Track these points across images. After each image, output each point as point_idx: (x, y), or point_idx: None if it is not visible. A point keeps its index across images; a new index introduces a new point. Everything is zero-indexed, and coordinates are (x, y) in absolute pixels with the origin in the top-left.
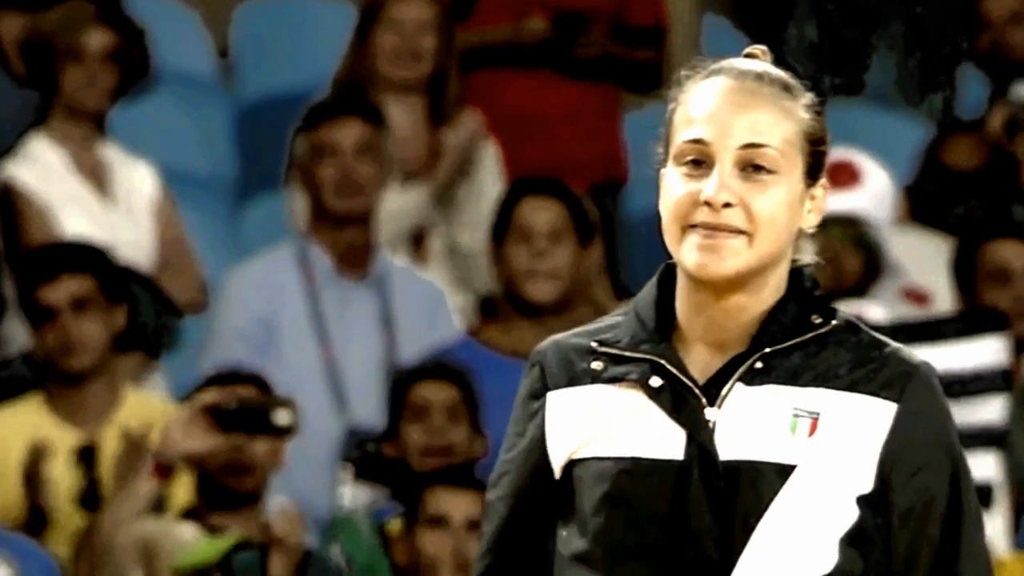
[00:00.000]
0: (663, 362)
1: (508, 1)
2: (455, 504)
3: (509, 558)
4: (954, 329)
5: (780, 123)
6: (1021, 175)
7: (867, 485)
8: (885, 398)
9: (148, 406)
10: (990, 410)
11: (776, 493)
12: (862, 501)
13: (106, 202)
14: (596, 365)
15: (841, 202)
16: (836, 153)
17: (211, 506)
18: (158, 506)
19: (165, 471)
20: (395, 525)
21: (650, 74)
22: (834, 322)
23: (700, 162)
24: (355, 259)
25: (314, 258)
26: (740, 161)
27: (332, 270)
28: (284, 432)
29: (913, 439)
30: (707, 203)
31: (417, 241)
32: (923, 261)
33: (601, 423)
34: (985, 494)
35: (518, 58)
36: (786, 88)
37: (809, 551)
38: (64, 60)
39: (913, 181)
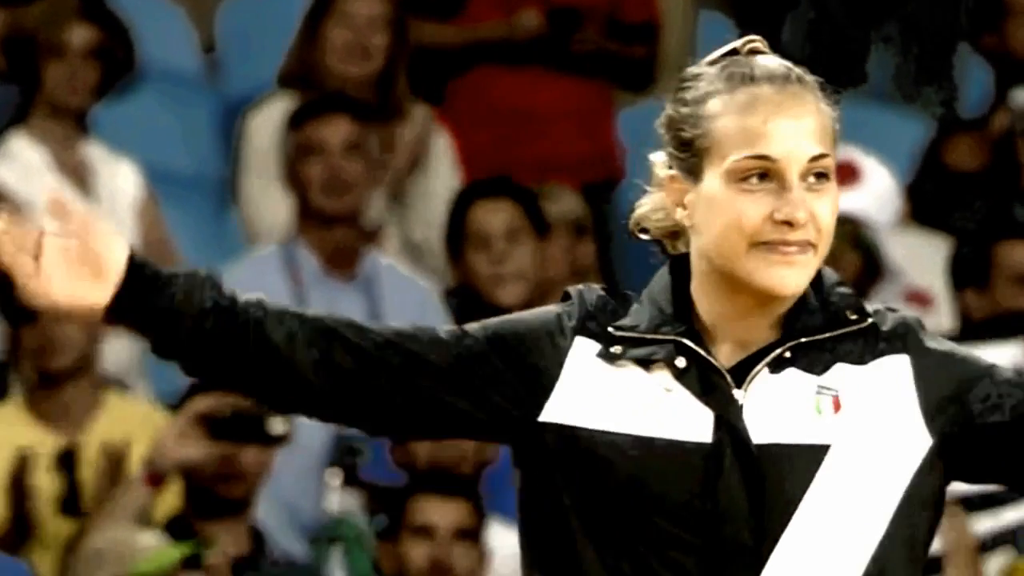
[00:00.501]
0: (688, 343)
1: None
2: (441, 513)
3: (389, 349)
4: (975, 334)
5: (827, 127)
6: (1023, 177)
7: (924, 442)
8: (893, 353)
9: (130, 410)
10: None
11: (810, 475)
12: (926, 462)
13: (88, 202)
14: (615, 349)
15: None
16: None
17: (199, 514)
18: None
19: (157, 480)
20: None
21: (644, 71)
22: (869, 319)
23: (764, 176)
24: (343, 259)
25: (301, 259)
26: (805, 173)
27: (319, 271)
28: (278, 441)
29: (940, 371)
30: (787, 222)
31: (371, 237)
32: (923, 263)
33: (625, 401)
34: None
35: (511, 54)
36: (818, 87)
37: (850, 533)
38: (46, 56)
39: (913, 181)
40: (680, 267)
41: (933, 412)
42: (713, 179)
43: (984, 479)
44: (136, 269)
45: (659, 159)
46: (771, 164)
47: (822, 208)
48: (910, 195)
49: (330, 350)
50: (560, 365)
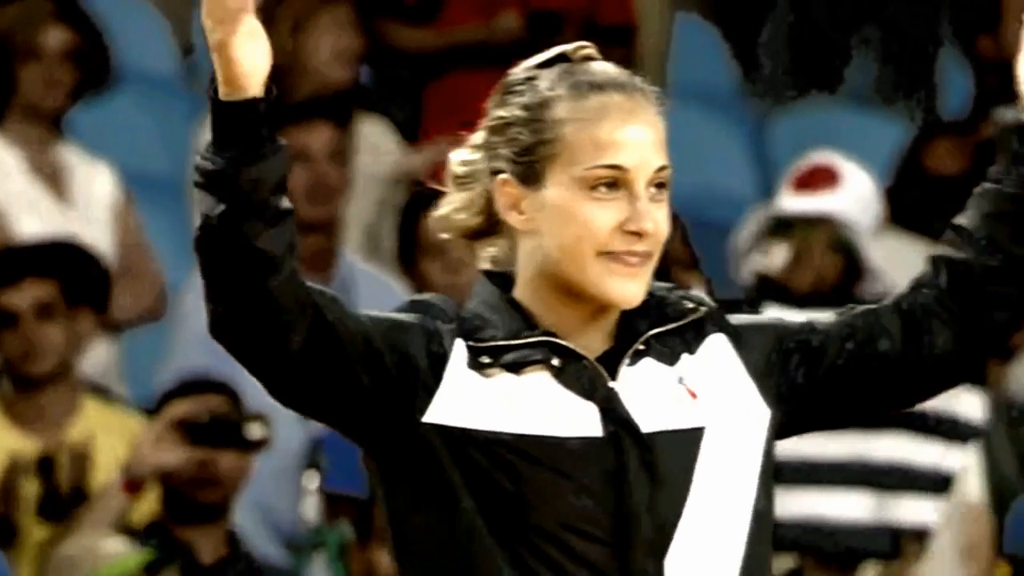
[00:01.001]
0: (560, 341)
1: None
2: None
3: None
4: None
5: (664, 137)
6: None
7: (764, 412)
8: (710, 334)
9: (108, 414)
10: (967, 408)
11: (693, 458)
12: (770, 432)
13: (63, 205)
14: (484, 359)
15: (818, 203)
16: (815, 156)
17: (176, 519)
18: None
19: (134, 486)
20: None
21: None
22: (703, 308)
23: (613, 185)
24: (319, 263)
25: None
26: (650, 183)
27: None
28: (257, 446)
29: (755, 336)
30: (636, 233)
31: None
32: (904, 266)
33: (510, 404)
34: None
35: (489, 58)
36: (655, 97)
37: (731, 513)
38: (21, 59)
39: (893, 185)
40: (498, 277)
41: (762, 376)
42: (559, 185)
43: (831, 417)
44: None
45: (459, 158)
46: (622, 174)
47: (661, 215)
48: (890, 199)
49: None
50: (441, 369)
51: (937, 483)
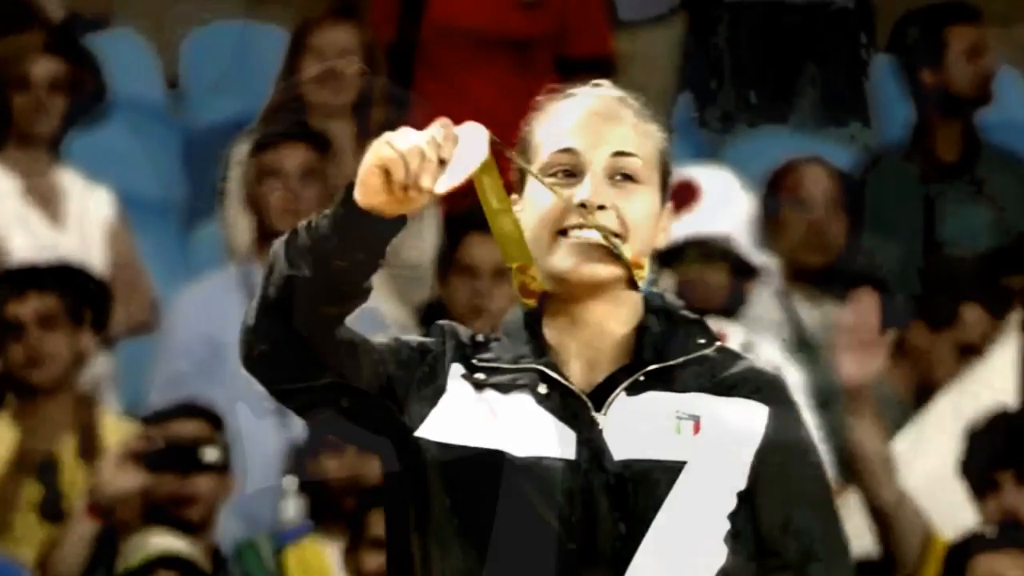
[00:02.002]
0: (548, 371)
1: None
2: None
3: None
4: None
5: (643, 138)
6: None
7: (742, 482)
8: (758, 400)
9: (104, 422)
10: None
11: (667, 490)
12: (739, 496)
13: (56, 227)
14: (480, 376)
15: (683, 227)
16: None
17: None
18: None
19: (100, 511)
20: (308, 547)
21: None
22: (717, 343)
23: (571, 173)
24: None
25: (258, 279)
26: (610, 169)
27: None
28: (213, 469)
29: (781, 441)
30: (582, 205)
31: None
32: None
33: (491, 423)
34: None
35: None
36: (643, 109)
37: (701, 546)
38: (12, 88)
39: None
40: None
41: (755, 465)
42: (531, 181)
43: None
44: None
45: None
46: (575, 157)
47: (627, 204)
48: None
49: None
50: (440, 388)
51: None
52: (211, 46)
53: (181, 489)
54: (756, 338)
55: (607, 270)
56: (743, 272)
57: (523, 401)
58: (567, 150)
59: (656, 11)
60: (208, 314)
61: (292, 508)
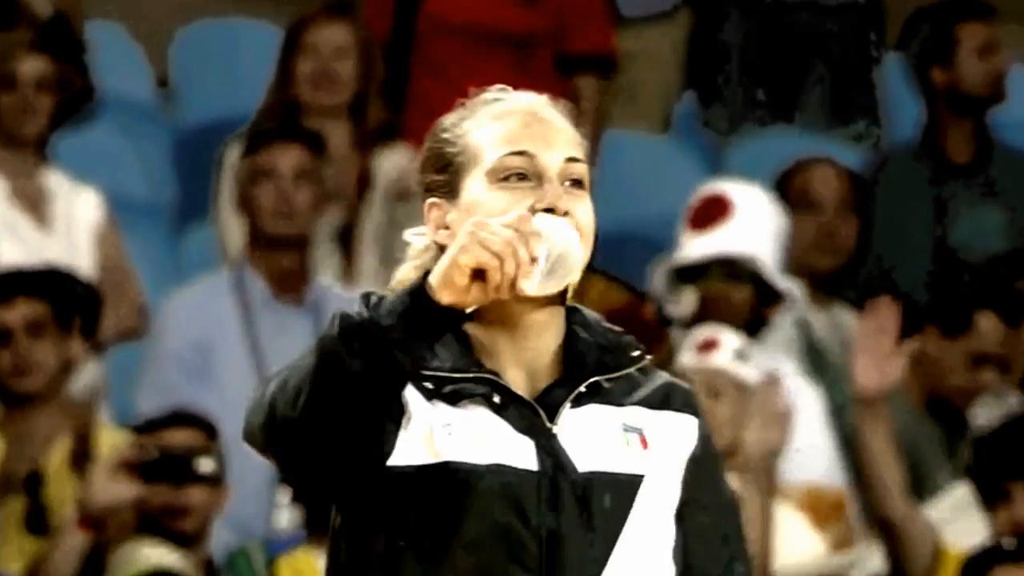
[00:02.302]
0: (499, 379)
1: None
2: None
3: None
4: None
5: (579, 143)
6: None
7: (677, 495)
8: (689, 413)
9: (94, 431)
10: None
11: (630, 501)
12: (675, 513)
13: (43, 230)
14: (428, 384)
15: (714, 244)
16: (707, 188)
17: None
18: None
19: (93, 523)
20: (300, 557)
21: None
22: (648, 356)
23: (523, 176)
24: (291, 284)
25: (250, 283)
26: (563, 175)
27: (268, 295)
28: (207, 480)
29: (709, 451)
30: (550, 210)
31: (348, 255)
32: None
33: (448, 434)
34: None
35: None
36: (570, 113)
37: (661, 559)
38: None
39: None
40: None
41: (686, 477)
42: (473, 186)
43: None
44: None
45: (412, 238)
46: (530, 161)
47: (578, 211)
48: None
49: None
50: (403, 408)
51: None
52: (201, 43)
53: (174, 500)
54: (774, 358)
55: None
56: (767, 295)
57: (476, 412)
58: (522, 153)
59: (659, 7)
60: (199, 319)
61: (285, 518)
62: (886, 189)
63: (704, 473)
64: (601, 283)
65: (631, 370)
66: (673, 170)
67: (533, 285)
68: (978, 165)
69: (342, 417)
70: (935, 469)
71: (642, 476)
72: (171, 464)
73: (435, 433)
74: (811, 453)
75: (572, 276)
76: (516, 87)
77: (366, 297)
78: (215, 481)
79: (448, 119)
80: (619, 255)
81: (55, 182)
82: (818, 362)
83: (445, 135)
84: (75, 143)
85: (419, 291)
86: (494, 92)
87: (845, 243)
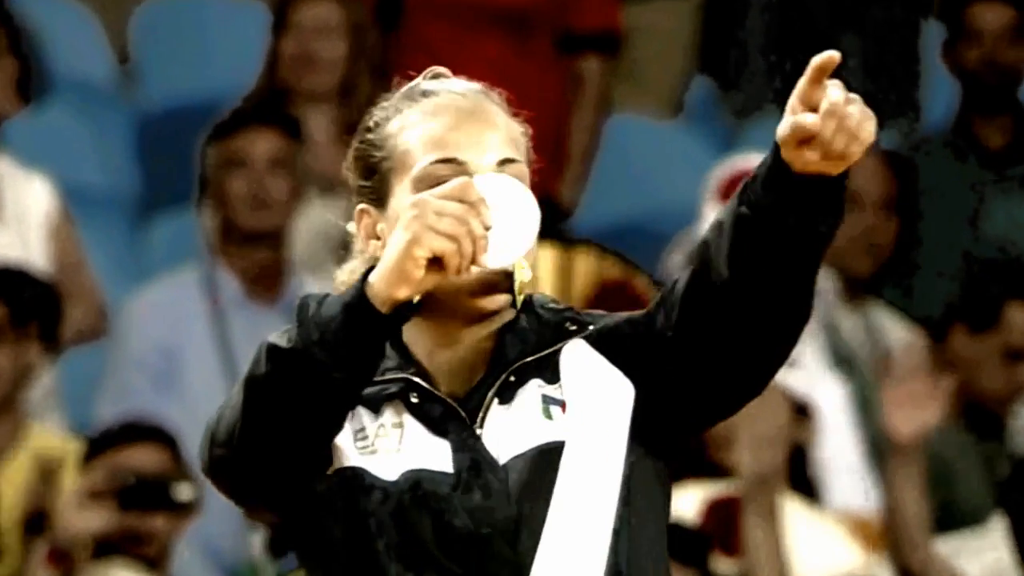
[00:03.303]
0: (417, 380)
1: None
2: None
3: None
4: None
5: (516, 137)
6: None
7: (629, 388)
8: (572, 337)
9: (49, 441)
10: None
11: (553, 475)
12: (636, 417)
13: None
14: None
15: None
16: (735, 161)
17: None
18: None
19: (61, 557)
20: None
21: None
22: (591, 327)
23: None
24: (266, 282)
25: (221, 281)
26: None
27: (241, 294)
28: (186, 508)
29: (609, 329)
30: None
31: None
32: None
33: (363, 440)
34: None
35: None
36: (504, 103)
37: (595, 523)
38: None
39: None
40: None
41: (622, 364)
42: (401, 194)
43: (691, 406)
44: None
45: (352, 228)
46: (459, 168)
47: None
48: None
49: None
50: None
51: None
52: (165, 19)
53: (139, 526)
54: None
55: (507, 297)
56: None
57: (390, 414)
58: (450, 160)
59: None
60: (165, 320)
61: (258, 542)
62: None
63: (614, 333)
64: (592, 255)
65: (564, 344)
66: (684, 157)
67: (496, 258)
68: (1014, 153)
69: (289, 447)
70: (971, 490)
71: (562, 443)
72: (147, 490)
73: (352, 440)
74: (839, 464)
75: (532, 236)
76: (512, 68)
77: (302, 309)
78: (190, 508)
79: (376, 115)
80: (626, 250)
81: (3, 169)
82: (845, 364)
83: (371, 136)
84: (26, 127)
85: (356, 301)
86: (426, 81)
87: (885, 243)
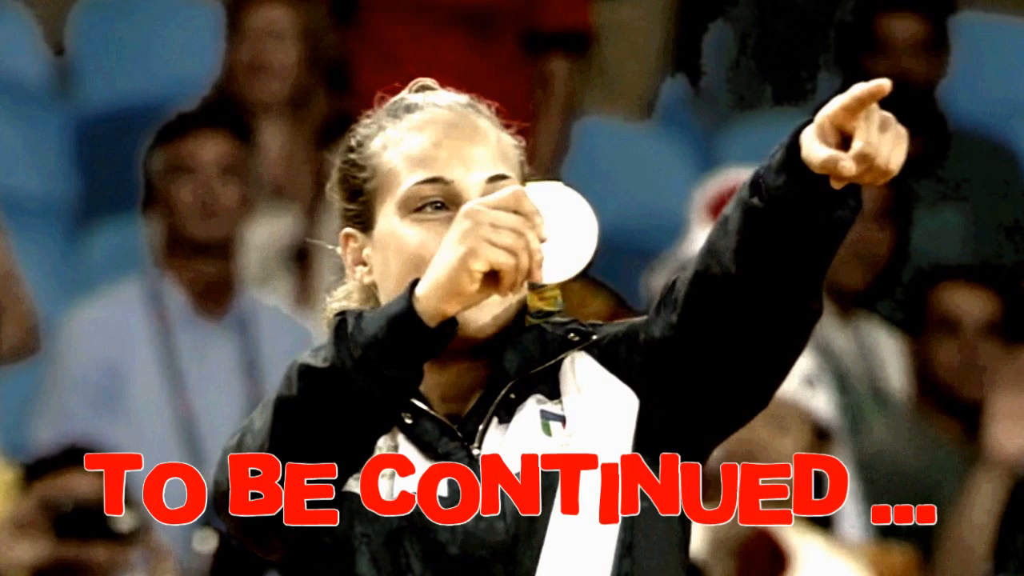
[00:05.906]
0: (414, 401)
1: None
2: None
3: None
4: None
5: (507, 151)
6: None
7: (633, 403)
8: (578, 349)
9: None
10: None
11: (551, 492)
12: (640, 427)
13: None
14: None
15: None
16: (724, 177)
17: None
18: None
19: None
20: None
21: None
22: (594, 337)
23: (441, 205)
24: (214, 296)
25: (167, 295)
26: (485, 195)
27: (188, 309)
28: (126, 538)
29: (613, 341)
30: None
31: (303, 270)
32: None
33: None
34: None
35: None
36: (495, 115)
37: (598, 536)
38: None
39: None
40: None
41: (624, 374)
42: (387, 218)
43: (701, 410)
44: None
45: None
46: (446, 188)
47: None
48: None
49: None
50: None
51: None
52: (106, 11)
53: (77, 556)
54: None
55: (500, 320)
56: None
57: (387, 436)
58: (435, 180)
59: None
60: (105, 337)
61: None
62: None
63: (617, 342)
64: (582, 290)
65: (566, 355)
66: (657, 161)
67: (551, 273)
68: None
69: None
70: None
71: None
72: (85, 518)
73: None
74: None
75: (589, 250)
76: (475, 69)
77: (341, 326)
78: (132, 537)
79: (359, 132)
80: (595, 261)
81: None
82: (837, 381)
83: (353, 156)
84: None
85: (404, 315)
86: (411, 95)
87: (878, 255)
